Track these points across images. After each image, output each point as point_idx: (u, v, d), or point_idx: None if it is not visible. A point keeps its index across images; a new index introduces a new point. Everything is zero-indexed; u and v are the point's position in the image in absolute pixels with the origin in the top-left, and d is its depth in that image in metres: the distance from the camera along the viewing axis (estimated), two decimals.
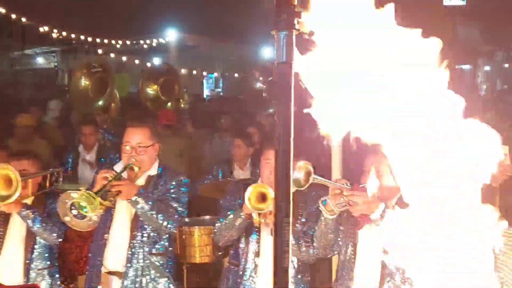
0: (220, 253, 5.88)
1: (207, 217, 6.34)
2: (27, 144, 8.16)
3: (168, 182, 4.46)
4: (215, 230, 4.45)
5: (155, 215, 4.25)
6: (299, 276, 4.30)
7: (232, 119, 9.26)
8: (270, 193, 4.02)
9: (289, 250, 1.77)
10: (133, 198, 4.23)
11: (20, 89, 19.86)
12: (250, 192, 4.10)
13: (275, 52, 1.86)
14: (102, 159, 7.43)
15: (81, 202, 3.91)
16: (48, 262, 4.63)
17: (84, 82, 8.54)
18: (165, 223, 4.30)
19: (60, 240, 4.53)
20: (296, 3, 1.86)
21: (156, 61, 24.05)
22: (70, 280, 6.68)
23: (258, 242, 4.28)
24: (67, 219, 4.11)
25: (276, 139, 1.80)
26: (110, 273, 4.43)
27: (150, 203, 4.24)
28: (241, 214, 4.22)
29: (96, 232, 4.48)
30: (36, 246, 4.53)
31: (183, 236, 5.89)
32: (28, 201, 4.53)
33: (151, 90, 10.12)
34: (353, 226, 3.85)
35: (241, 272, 4.33)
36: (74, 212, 4.06)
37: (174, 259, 4.65)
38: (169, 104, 10.52)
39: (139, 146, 4.37)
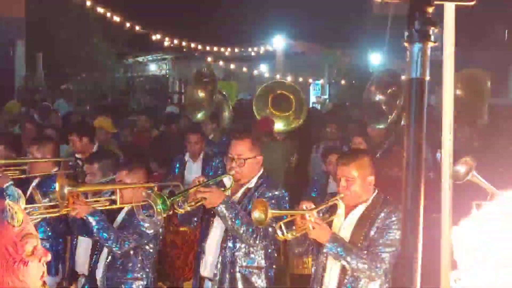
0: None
1: None
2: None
3: (263, 195, 4.33)
4: None
5: (240, 228, 4.17)
6: None
7: (338, 128, 9.09)
8: None
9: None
10: (219, 207, 4.18)
11: (133, 95, 20.65)
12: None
13: (407, 65, 1.69)
14: (207, 169, 7.51)
15: (150, 202, 3.98)
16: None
17: (198, 91, 8.72)
18: (253, 236, 4.21)
19: (119, 252, 4.46)
20: (431, 10, 1.68)
21: (263, 68, 24.28)
22: (175, 285, 6.85)
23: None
24: (140, 217, 4.18)
25: (406, 160, 1.64)
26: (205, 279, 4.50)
27: (233, 214, 4.17)
28: None
29: (199, 240, 4.53)
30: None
31: (287, 247, 5.89)
32: None
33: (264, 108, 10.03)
34: None
35: None
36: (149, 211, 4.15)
37: (273, 270, 4.54)
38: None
39: (239, 158, 4.36)
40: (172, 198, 4.07)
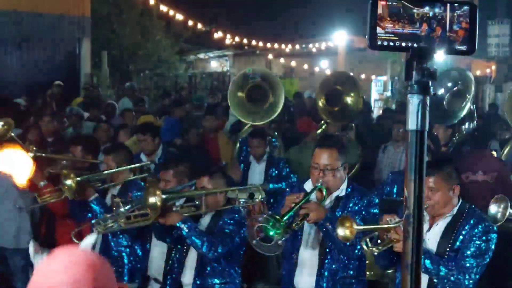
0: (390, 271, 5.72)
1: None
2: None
3: (358, 203, 4.27)
4: None
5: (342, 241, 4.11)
6: None
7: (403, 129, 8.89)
8: None
9: None
10: (322, 223, 4.09)
11: (194, 93, 20.81)
12: None
13: (407, 116, 1.76)
14: (270, 171, 7.48)
15: (266, 226, 3.88)
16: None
17: (237, 93, 8.61)
18: (351, 248, 4.11)
19: (212, 257, 4.48)
20: (427, 64, 1.75)
21: (324, 64, 24.10)
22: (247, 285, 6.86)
23: None
24: (254, 242, 4.02)
25: (406, 212, 1.74)
26: None
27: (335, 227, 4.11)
28: None
29: (285, 250, 4.42)
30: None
31: None
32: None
33: (320, 101, 9.79)
34: None
35: None
36: (262, 235, 4.03)
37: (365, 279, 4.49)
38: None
39: (327, 169, 4.26)
40: (281, 219, 3.93)
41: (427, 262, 3.76)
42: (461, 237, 3.87)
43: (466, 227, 3.89)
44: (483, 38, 16.54)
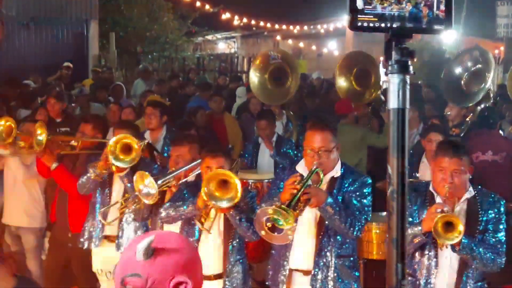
0: None
1: (384, 213, 6.20)
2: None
3: (353, 184, 4.32)
4: None
5: (342, 222, 4.13)
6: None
7: (415, 111, 8.82)
8: None
9: None
10: (324, 206, 4.11)
11: (203, 74, 20.79)
12: None
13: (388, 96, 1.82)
14: (282, 150, 7.50)
15: (276, 217, 3.89)
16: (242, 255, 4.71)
17: (261, 74, 8.56)
18: (351, 229, 4.17)
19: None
20: (405, 44, 1.81)
21: (333, 45, 24.01)
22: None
23: (435, 257, 4.07)
24: (263, 233, 4.05)
25: (390, 188, 1.79)
26: (296, 270, 4.44)
27: (337, 209, 4.13)
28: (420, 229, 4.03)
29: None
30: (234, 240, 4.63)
31: None
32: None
33: (345, 80, 9.68)
34: None
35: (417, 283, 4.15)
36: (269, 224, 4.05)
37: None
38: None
39: (321, 151, 4.28)
40: (288, 208, 3.93)
41: (472, 244, 3.85)
42: (485, 218, 3.98)
43: (484, 208, 3.99)
44: (492, 18, 16.42)
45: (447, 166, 3.96)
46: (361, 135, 8.22)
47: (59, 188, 5.83)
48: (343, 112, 8.48)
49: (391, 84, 1.79)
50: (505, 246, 3.94)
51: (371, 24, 1.83)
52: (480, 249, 3.84)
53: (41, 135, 5.33)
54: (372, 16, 1.82)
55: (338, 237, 4.31)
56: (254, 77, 8.54)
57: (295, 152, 7.50)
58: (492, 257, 3.87)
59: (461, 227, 3.72)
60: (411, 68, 1.80)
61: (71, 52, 17.02)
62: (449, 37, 18.58)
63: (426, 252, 4.06)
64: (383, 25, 1.83)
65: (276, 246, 4.50)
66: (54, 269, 5.95)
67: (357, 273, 4.42)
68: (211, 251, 4.55)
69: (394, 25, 1.83)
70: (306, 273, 4.37)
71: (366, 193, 4.32)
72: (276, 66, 8.53)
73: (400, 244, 1.82)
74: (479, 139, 6.98)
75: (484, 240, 3.93)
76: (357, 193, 4.30)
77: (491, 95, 8.73)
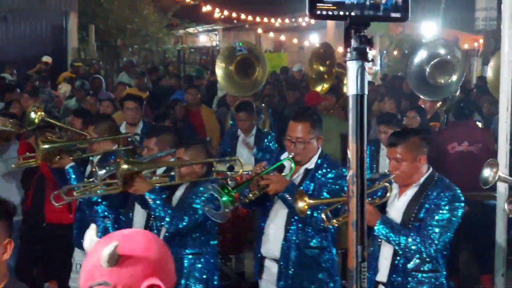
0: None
1: None
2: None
3: (326, 174, 4.33)
4: None
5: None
6: None
7: (392, 103, 8.88)
8: None
9: None
10: (282, 194, 4.17)
11: (183, 67, 20.71)
12: None
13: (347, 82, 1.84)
14: (263, 145, 7.47)
15: (215, 194, 4.00)
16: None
17: (226, 66, 8.62)
18: (313, 219, 4.18)
19: (173, 231, 4.45)
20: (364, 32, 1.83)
21: (314, 38, 24.04)
22: (224, 258, 6.91)
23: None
24: (206, 209, 4.18)
25: (350, 172, 1.81)
26: (266, 258, 4.53)
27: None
28: None
29: (257, 219, 4.51)
30: None
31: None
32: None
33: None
34: None
35: None
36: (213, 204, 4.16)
37: (335, 250, 4.55)
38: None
39: (299, 141, 4.31)
40: (236, 189, 4.06)
41: (389, 231, 3.83)
42: (426, 205, 3.93)
43: (431, 197, 3.93)
44: (470, 11, 16.50)
45: (388, 155, 4.10)
46: (334, 124, 8.25)
47: (36, 178, 5.84)
48: (312, 104, 8.61)
49: (350, 70, 1.81)
50: (441, 241, 3.83)
51: (330, 12, 1.84)
52: (401, 237, 3.82)
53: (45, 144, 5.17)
54: (331, 5, 1.84)
55: (309, 229, 4.34)
56: (219, 69, 8.59)
57: (276, 145, 7.48)
58: (415, 247, 3.81)
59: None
60: (369, 55, 1.82)
61: (50, 45, 16.88)
62: (428, 30, 18.68)
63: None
64: (341, 13, 1.84)
65: (257, 236, 4.62)
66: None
67: (326, 265, 4.41)
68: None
69: (353, 13, 1.84)
70: (276, 261, 4.44)
71: (341, 186, 4.30)
72: (243, 57, 8.56)
73: (360, 227, 1.83)
74: (455, 130, 7.04)
75: (419, 228, 3.88)
76: (330, 185, 4.31)
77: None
